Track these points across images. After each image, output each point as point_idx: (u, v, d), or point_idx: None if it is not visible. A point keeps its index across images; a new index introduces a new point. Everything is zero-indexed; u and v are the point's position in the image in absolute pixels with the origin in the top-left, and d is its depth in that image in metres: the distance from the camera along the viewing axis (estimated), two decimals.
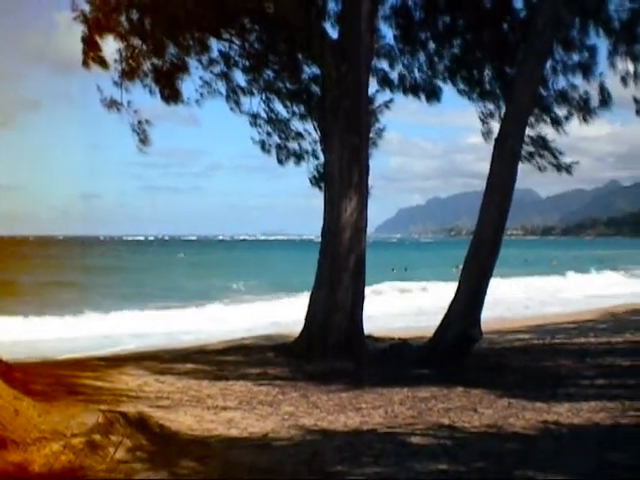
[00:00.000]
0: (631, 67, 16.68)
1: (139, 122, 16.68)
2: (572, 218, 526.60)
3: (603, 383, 11.85)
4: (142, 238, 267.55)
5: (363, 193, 15.15)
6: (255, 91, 18.05)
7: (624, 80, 16.69)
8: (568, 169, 17.38)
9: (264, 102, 18.10)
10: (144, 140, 16.77)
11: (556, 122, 17.35)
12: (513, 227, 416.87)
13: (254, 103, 18.02)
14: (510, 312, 31.35)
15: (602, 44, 16.86)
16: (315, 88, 17.44)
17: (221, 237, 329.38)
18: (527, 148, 17.12)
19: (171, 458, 7.09)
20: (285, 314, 27.34)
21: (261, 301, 36.82)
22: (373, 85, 17.72)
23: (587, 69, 16.93)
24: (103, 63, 15.97)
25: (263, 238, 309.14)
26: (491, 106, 17.80)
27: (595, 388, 11.33)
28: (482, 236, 13.97)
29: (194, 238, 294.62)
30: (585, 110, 17.17)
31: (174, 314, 30.38)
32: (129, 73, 16.30)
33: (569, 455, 7.50)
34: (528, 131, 16.67)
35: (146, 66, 16.53)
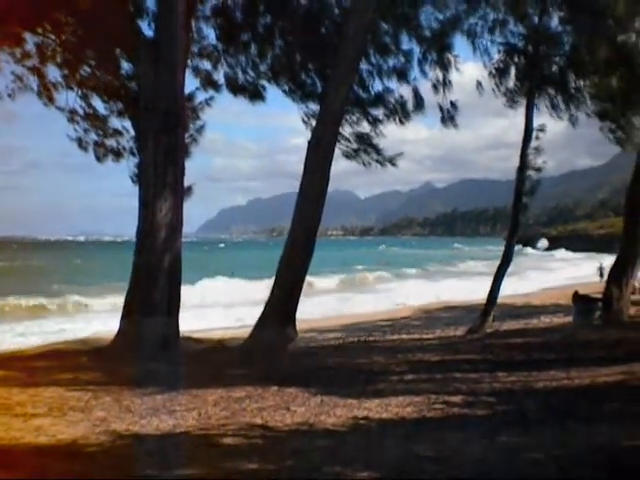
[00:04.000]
0: (440, 75, 17.50)
1: None
2: (389, 218, 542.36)
3: (412, 378, 12.31)
4: None
5: (179, 193, 15.04)
6: (72, 86, 17.51)
7: (435, 87, 17.47)
8: (392, 162, 17.91)
9: (81, 98, 17.61)
10: None
11: (374, 124, 17.87)
12: (333, 227, 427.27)
13: (71, 99, 17.50)
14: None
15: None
16: (133, 85, 17.12)
17: (44, 237, 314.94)
18: (352, 146, 17.55)
19: None
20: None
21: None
22: (195, 84, 17.72)
23: (402, 74, 17.57)
24: None
25: (89, 239, 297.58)
26: (314, 106, 18.09)
27: (404, 383, 11.74)
28: (296, 237, 14.15)
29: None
30: (401, 113, 17.81)
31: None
32: None
33: (377, 449, 7.74)
34: (352, 129, 17.12)
35: None
